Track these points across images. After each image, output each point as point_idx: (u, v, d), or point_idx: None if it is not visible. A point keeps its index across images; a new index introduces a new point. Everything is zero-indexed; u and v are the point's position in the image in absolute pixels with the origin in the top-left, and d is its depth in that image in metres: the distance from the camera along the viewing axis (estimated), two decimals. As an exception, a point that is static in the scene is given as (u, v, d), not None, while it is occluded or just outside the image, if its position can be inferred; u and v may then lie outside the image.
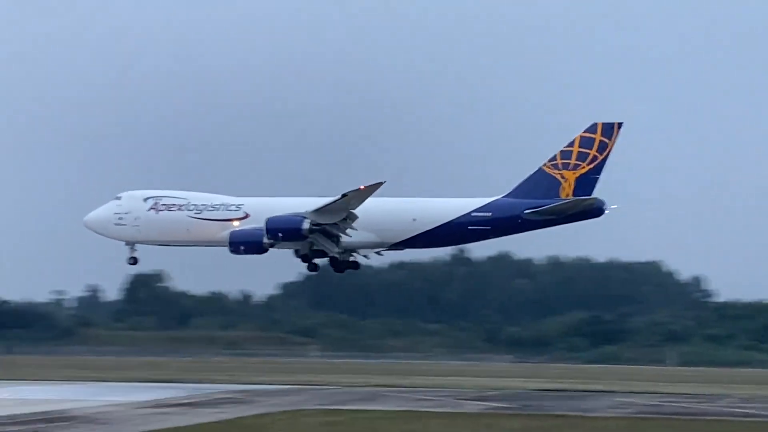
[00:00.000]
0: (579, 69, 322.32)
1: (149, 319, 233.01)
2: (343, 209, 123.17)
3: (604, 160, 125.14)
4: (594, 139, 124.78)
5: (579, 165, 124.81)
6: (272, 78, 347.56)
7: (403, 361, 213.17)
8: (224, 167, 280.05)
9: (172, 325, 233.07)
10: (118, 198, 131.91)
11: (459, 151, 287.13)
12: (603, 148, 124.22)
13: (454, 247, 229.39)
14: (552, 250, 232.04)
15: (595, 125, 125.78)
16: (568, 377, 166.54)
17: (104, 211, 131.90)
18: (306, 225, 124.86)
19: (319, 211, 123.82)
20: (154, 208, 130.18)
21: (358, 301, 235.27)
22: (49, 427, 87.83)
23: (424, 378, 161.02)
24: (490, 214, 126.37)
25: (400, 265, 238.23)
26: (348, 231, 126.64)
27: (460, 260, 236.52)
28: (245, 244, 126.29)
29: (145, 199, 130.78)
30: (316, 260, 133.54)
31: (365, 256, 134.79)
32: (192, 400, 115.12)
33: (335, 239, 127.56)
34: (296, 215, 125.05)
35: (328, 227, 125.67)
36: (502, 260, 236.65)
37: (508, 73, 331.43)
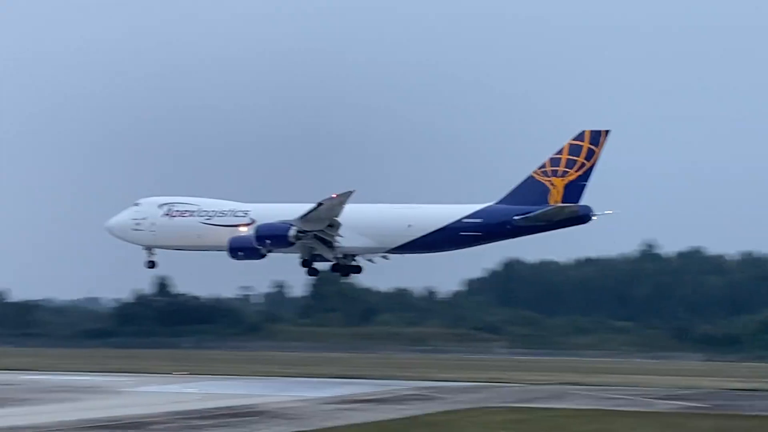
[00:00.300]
0: (570, 76, 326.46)
1: (334, 315, 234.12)
2: (326, 217, 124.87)
3: (591, 167, 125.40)
4: (582, 146, 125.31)
5: (567, 172, 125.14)
6: (285, 84, 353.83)
7: (591, 359, 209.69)
8: (242, 173, 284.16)
9: (357, 321, 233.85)
10: (137, 204, 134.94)
11: (456, 156, 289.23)
12: (590, 155, 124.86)
13: (642, 243, 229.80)
14: (746, 245, 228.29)
15: (582, 133, 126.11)
16: (762, 377, 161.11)
17: (123, 217, 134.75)
18: (293, 232, 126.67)
19: (303, 218, 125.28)
20: (168, 214, 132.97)
21: (545, 297, 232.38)
22: (235, 421, 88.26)
23: (611, 376, 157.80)
24: (480, 220, 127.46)
25: (588, 262, 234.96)
26: (347, 236, 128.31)
27: (649, 256, 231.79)
28: (242, 250, 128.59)
29: (160, 206, 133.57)
30: (317, 265, 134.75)
31: (370, 260, 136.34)
32: (377, 397, 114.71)
33: (329, 245, 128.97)
34: (284, 223, 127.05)
35: (315, 234, 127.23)
36: (692, 256, 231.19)
37: (500, 82, 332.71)
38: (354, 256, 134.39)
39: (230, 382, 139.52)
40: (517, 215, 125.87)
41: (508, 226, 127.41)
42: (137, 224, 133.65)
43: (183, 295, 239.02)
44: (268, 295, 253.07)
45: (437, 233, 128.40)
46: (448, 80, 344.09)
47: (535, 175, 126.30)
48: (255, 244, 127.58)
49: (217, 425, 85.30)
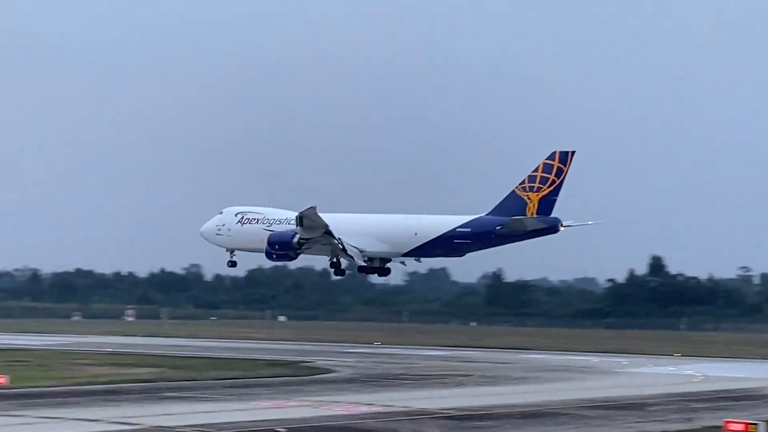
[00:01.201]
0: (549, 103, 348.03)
1: None
2: (317, 227, 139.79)
3: (560, 184, 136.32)
4: (553, 165, 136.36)
5: (541, 188, 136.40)
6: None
7: None
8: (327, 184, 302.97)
9: None
10: (220, 213, 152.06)
11: (457, 172, 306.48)
12: (560, 173, 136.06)
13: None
14: None
15: (554, 153, 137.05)
16: None
17: (210, 223, 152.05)
18: (295, 239, 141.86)
19: (301, 228, 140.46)
20: (240, 222, 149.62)
21: None
22: (734, 405, 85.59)
23: None
24: (470, 229, 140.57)
25: None
26: (369, 243, 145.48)
27: None
28: (273, 252, 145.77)
29: (236, 214, 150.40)
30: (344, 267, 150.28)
31: (402, 263, 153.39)
32: None
33: (342, 249, 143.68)
34: (289, 232, 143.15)
35: (315, 240, 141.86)
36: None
37: (491, 108, 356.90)
38: (373, 259, 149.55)
39: (729, 365, 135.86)
40: (498, 226, 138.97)
41: (492, 235, 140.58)
42: (218, 230, 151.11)
43: (680, 275, 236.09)
44: (765, 276, 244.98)
45: (436, 240, 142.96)
46: (453, 105, 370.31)
47: (516, 191, 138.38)
48: (269, 249, 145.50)
49: (715, 408, 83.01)
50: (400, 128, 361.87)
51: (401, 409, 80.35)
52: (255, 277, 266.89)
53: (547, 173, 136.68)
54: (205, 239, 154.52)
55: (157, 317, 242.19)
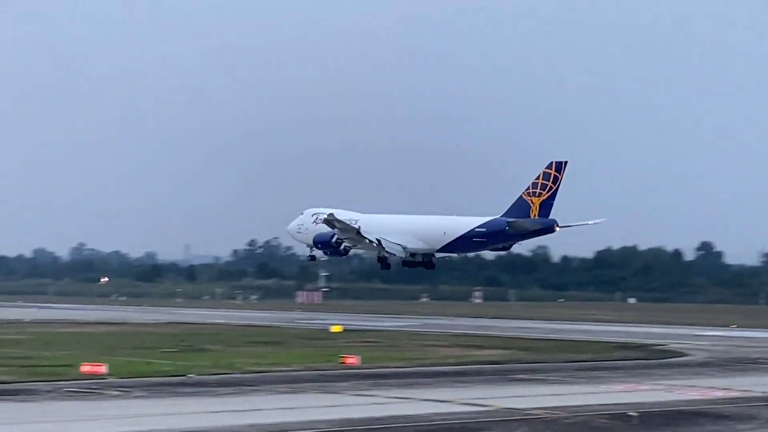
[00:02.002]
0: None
1: None
2: (348, 228, 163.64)
3: (556, 190, 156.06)
4: (550, 173, 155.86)
5: (541, 193, 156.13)
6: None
7: None
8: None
9: None
10: (302, 213, 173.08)
11: (480, 178, 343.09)
12: (555, 180, 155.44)
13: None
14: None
15: (551, 163, 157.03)
16: None
17: (294, 223, 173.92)
18: (333, 239, 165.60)
19: (338, 230, 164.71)
20: (315, 222, 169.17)
21: None
22: None
23: None
24: (485, 229, 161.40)
25: None
26: (410, 241, 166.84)
27: None
28: (320, 250, 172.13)
29: (312, 215, 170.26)
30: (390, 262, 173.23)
31: (448, 258, 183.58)
32: None
33: (379, 247, 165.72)
34: (329, 232, 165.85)
35: (351, 239, 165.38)
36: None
37: (509, 122, 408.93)
38: (414, 255, 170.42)
39: None
40: (514, 227, 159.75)
41: (503, 235, 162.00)
42: (299, 229, 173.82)
43: None
44: None
45: (459, 239, 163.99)
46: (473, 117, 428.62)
47: (523, 195, 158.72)
48: (316, 247, 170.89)
49: None
50: (423, 135, 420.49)
51: (759, 394, 76.10)
52: (604, 258, 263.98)
53: (546, 180, 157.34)
54: (290, 236, 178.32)
55: (504, 299, 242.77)
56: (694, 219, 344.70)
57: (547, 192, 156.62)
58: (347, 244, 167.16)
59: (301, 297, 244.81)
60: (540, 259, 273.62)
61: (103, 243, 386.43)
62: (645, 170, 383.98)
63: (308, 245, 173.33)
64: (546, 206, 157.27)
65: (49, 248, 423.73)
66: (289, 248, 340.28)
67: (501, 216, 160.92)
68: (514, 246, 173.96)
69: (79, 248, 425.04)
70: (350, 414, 63.25)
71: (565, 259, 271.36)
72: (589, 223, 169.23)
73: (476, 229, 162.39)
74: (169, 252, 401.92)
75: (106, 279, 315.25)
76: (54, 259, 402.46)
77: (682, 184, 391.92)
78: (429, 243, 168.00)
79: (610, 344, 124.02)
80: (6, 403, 67.23)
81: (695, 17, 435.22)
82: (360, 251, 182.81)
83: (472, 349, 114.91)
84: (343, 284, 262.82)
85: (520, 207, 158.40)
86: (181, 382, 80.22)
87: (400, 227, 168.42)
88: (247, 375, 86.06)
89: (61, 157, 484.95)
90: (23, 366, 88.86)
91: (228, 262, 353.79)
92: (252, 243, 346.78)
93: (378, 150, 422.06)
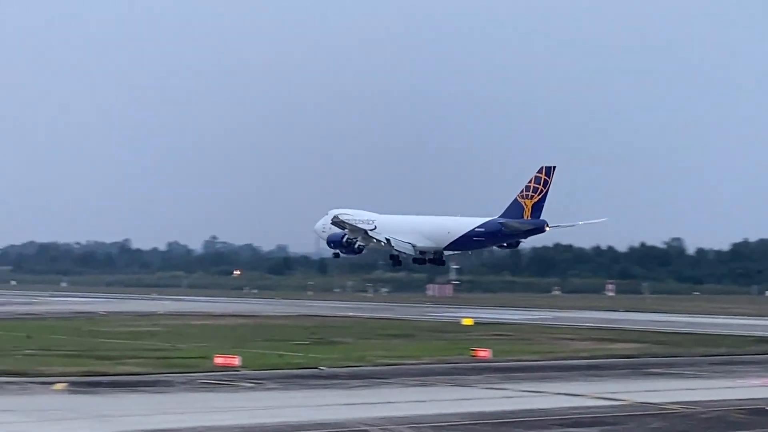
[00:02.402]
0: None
1: None
2: (357, 230, 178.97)
3: (546, 193, 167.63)
4: (541, 177, 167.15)
5: (533, 195, 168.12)
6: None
7: None
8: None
9: None
10: (326, 214, 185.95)
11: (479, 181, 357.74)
12: (546, 183, 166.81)
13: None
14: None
15: (541, 168, 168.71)
16: None
17: (319, 223, 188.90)
18: (344, 239, 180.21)
19: (349, 230, 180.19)
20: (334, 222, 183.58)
21: None
22: None
23: None
24: (483, 229, 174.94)
25: None
26: (419, 240, 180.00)
27: None
28: (333, 249, 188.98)
29: (333, 216, 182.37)
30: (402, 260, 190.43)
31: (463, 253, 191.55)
32: None
33: (388, 246, 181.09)
34: (340, 233, 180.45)
35: (360, 239, 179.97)
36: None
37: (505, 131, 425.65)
38: (424, 252, 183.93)
39: None
40: (507, 227, 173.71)
41: (500, 235, 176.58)
42: (323, 228, 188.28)
43: None
44: None
45: (461, 238, 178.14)
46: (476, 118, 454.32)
47: (518, 198, 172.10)
48: (329, 247, 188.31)
49: None
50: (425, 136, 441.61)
51: None
52: (740, 251, 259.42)
53: (537, 184, 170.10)
54: (317, 235, 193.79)
55: (638, 292, 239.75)
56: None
57: (538, 195, 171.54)
58: (360, 243, 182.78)
59: (432, 290, 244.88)
60: (675, 251, 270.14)
61: (235, 236, 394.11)
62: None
63: None
64: (537, 208, 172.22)
65: (183, 241, 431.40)
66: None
67: (499, 216, 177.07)
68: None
69: (211, 241, 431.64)
70: (481, 407, 62.79)
71: (701, 252, 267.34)
72: (579, 223, 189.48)
73: (476, 229, 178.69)
74: (300, 245, 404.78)
75: (239, 272, 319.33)
76: (187, 252, 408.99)
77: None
78: (436, 242, 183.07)
79: (747, 338, 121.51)
80: (142, 394, 68.21)
81: (694, 17, 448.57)
82: (378, 248, 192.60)
83: (605, 342, 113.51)
84: (474, 277, 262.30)
85: (515, 208, 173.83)
86: (313, 374, 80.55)
87: (410, 227, 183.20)
88: (378, 368, 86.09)
89: (191, 153, 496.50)
90: (158, 358, 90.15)
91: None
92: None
93: (395, 151, 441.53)
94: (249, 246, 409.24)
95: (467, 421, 56.98)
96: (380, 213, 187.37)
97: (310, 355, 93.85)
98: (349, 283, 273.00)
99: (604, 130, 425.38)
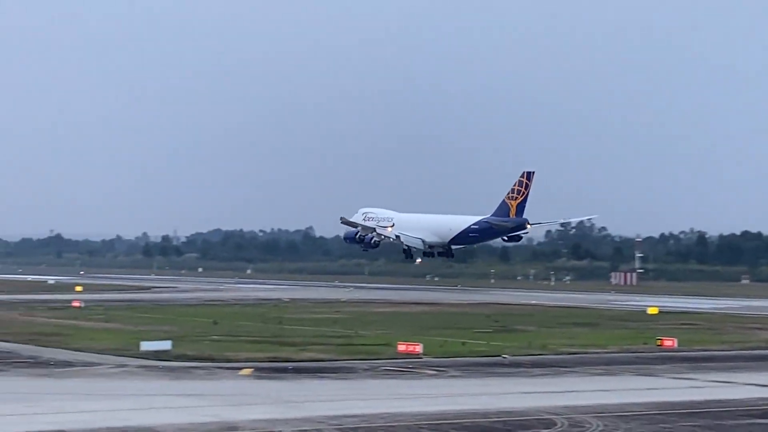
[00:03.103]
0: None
1: None
2: (367, 228, 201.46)
3: (527, 194, 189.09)
4: (523, 181, 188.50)
5: (517, 197, 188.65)
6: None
7: None
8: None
9: None
10: (357, 212, 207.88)
11: (474, 184, 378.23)
12: (526, 186, 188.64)
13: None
14: None
15: (524, 172, 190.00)
16: None
17: (354, 219, 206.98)
18: (357, 235, 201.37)
19: (362, 228, 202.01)
20: (364, 219, 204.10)
21: None
22: None
23: None
24: (477, 226, 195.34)
25: None
26: (428, 235, 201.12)
27: None
28: (351, 244, 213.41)
29: (363, 213, 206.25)
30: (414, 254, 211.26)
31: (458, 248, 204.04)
32: None
33: (398, 241, 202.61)
34: (354, 230, 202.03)
35: (373, 234, 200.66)
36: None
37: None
38: (432, 246, 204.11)
39: None
40: (497, 227, 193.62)
41: (490, 231, 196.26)
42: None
43: None
44: None
45: (459, 235, 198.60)
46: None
47: (505, 199, 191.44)
48: (346, 242, 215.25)
49: None
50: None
51: None
52: None
53: (520, 186, 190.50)
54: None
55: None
56: None
57: (521, 196, 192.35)
58: (376, 239, 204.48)
59: (616, 278, 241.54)
60: None
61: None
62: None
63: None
64: (520, 208, 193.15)
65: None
66: (603, 229, 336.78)
67: (490, 216, 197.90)
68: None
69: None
70: (668, 397, 61.57)
71: None
72: (560, 221, 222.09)
73: (471, 227, 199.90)
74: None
75: (420, 260, 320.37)
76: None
77: None
78: (441, 237, 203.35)
79: None
80: (326, 380, 68.84)
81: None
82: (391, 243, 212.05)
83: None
84: (659, 265, 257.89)
85: (503, 208, 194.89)
86: (495, 362, 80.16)
87: (421, 224, 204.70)
88: (561, 356, 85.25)
89: (373, 143, 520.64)
90: (341, 344, 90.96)
91: (541, 243, 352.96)
92: (565, 224, 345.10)
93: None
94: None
95: (653, 411, 55.91)
96: (399, 212, 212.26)
97: (493, 343, 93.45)
98: (532, 271, 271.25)
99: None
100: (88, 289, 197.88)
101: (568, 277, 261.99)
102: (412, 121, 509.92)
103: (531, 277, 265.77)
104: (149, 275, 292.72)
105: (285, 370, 73.06)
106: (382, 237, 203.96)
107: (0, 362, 76.51)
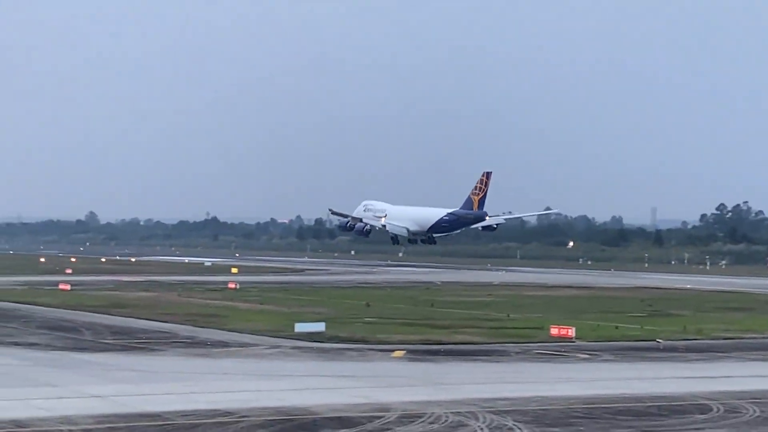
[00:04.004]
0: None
1: None
2: (354, 218, 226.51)
3: (486, 191, 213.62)
4: (483, 179, 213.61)
5: (478, 193, 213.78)
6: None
7: None
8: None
9: None
10: (360, 204, 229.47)
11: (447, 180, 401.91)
12: (486, 184, 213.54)
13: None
14: None
15: (484, 172, 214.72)
16: None
17: (355, 211, 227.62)
18: (349, 223, 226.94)
19: (351, 218, 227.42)
20: (364, 210, 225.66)
21: None
22: None
23: None
24: (449, 217, 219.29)
25: None
26: (411, 225, 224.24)
27: None
28: (343, 231, 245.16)
29: (364, 205, 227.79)
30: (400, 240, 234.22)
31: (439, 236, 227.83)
32: None
33: (384, 230, 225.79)
34: (345, 221, 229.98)
35: (360, 224, 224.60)
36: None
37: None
38: (415, 234, 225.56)
39: None
40: (462, 218, 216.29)
41: (457, 222, 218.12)
42: (356, 215, 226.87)
43: None
44: None
45: (434, 225, 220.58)
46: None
47: (470, 194, 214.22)
48: (339, 230, 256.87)
49: None
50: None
51: None
52: None
53: (480, 184, 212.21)
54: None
55: None
56: None
57: (481, 192, 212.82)
58: (367, 228, 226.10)
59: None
60: None
61: (571, 207, 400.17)
62: None
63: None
64: (481, 203, 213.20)
65: (517, 213, 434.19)
66: (759, 212, 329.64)
67: (459, 208, 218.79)
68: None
69: (546, 213, 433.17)
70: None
71: None
72: (510, 213, 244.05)
73: (444, 218, 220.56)
74: (635, 217, 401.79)
75: (572, 243, 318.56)
76: (521, 224, 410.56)
77: None
78: (421, 226, 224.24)
79: None
80: (478, 363, 69.03)
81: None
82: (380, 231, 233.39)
83: None
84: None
85: (468, 202, 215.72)
86: (649, 347, 79.32)
87: (406, 215, 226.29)
88: (717, 341, 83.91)
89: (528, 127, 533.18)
90: (493, 327, 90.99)
91: (696, 227, 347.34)
92: (720, 207, 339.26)
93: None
94: (584, 217, 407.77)
95: (813, 398, 54.70)
96: (392, 204, 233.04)
97: (646, 327, 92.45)
98: (687, 255, 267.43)
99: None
100: (243, 271, 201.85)
101: (723, 261, 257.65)
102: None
103: (685, 261, 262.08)
104: (303, 258, 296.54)
105: (437, 353, 73.43)
106: (370, 226, 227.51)
107: (159, 342, 78.61)
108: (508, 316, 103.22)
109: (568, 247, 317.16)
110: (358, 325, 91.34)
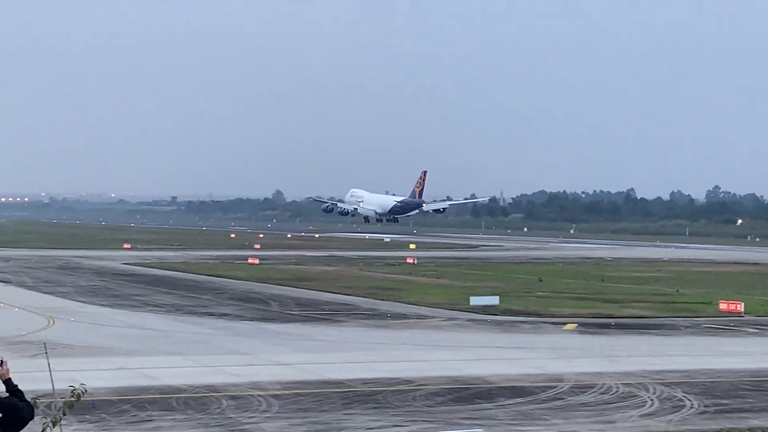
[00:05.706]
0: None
1: None
2: (333, 202, 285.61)
3: (423, 186, 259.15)
4: (422, 176, 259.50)
5: (419, 185, 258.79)
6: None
7: None
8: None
9: None
10: (348, 191, 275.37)
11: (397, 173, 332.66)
12: (424, 179, 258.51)
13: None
14: None
15: (423, 171, 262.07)
16: None
17: (345, 196, 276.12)
18: (331, 207, 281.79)
19: (330, 203, 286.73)
20: (350, 197, 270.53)
21: None
22: None
23: None
24: (400, 204, 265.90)
25: None
26: (378, 209, 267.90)
27: None
28: (328, 212, 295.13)
29: (350, 192, 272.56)
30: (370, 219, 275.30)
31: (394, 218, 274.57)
32: None
33: (356, 212, 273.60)
34: (326, 205, 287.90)
35: (337, 207, 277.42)
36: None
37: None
38: (382, 215, 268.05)
39: None
40: (408, 204, 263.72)
41: (406, 207, 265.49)
42: (345, 199, 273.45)
43: None
44: None
45: (391, 209, 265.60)
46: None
47: (414, 187, 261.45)
48: (324, 212, 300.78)
49: None
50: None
51: None
52: None
53: (420, 179, 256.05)
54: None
55: None
56: None
57: (421, 186, 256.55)
58: (346, 210, 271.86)
59: None
60: None
61: (739, 185, 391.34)
62: None
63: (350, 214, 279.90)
64: (421, 193, 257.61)
65: (686, 191, 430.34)
66: None
67: (407, 197, 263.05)
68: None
69: (714, 191, 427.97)
70: None
71: None
72: (447, 202, 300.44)
73: (397, 204, 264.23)
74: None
75: (740, 221, 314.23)
76: (690, 201, 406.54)
77: None
78: (384, 209, 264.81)
79: None
80: (647, 336, 70.67)
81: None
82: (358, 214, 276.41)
83: None
84: None
85: (413, 193, 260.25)
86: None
87: (375, 201, 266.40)
88: None
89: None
90: (662, 302, 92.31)
91: None
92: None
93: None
94: (752, 195, 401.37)
95: None
96: (368, 192, 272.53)
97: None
98: None
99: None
100: (420, 246, 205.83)
101: None
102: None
103: None
104: (477, 234, 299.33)
105: (608, 326, 75.33)
106: (349, 209, 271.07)
107: (342, 314, 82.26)
108: (678, 291, 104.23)
109: (738, 224, 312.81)
110: (530, 299, 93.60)
